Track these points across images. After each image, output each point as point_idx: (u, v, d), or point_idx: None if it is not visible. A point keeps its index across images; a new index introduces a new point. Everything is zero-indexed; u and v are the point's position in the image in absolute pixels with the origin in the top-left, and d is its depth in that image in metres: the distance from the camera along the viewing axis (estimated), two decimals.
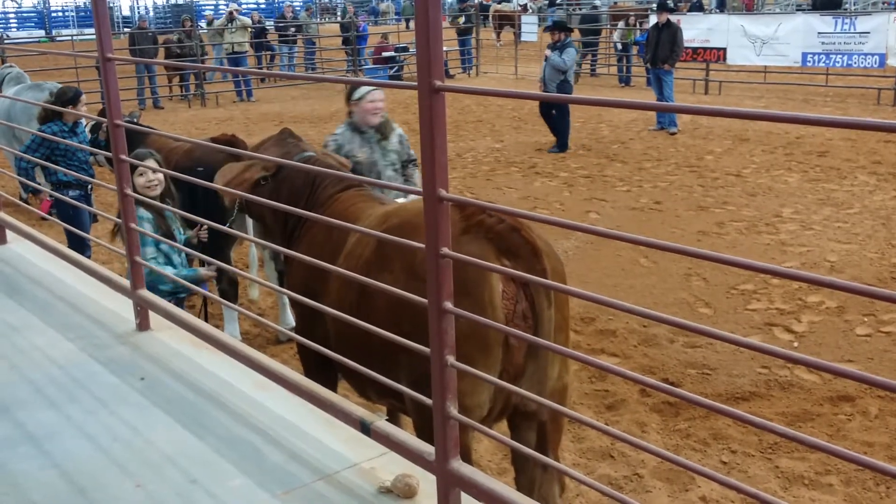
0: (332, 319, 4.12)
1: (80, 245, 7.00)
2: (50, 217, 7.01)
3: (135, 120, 7.87)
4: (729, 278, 7.96)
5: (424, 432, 2.87)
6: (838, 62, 17.79)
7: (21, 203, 6.60)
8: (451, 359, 2.38)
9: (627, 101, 2.25)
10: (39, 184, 7.52)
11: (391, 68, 23.18)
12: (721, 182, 11.67)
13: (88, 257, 5.99)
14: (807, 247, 8.85)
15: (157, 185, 5.27)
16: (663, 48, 15.32)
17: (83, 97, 7.51)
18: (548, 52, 14.05)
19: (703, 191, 11.26)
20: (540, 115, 14.62)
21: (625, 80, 22.05)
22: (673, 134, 15.00)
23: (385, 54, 23.88)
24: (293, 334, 3.62)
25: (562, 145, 14.06)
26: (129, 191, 3.89)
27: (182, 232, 5.49)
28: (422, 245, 2.34)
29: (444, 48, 21.59)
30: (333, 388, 4.17)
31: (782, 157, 13.00)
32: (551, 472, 3.75)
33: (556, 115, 14.14)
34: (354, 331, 3.77)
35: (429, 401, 2.44)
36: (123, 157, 3.82)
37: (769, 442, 5.26)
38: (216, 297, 5.14)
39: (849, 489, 4.82)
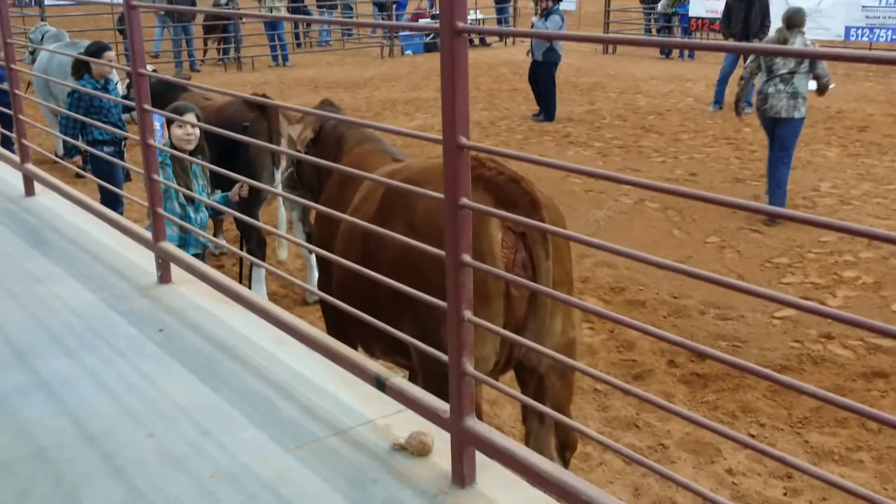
0: (336, 276, 4.12)
1: (113, 201, 7.03)
2: (85, 173, 7.01)
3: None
4: (763, 251, 7.81)
5: (431, 388, 2.82)
6: (882, 37, 17.40)
7: (58, 159, 6.60)
8: (468, 313, 2.31)
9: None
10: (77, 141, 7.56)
11: (427, 35, 23.00)
12: (759, 155, 11.43)
13: (121, 214, 5.98)
14: (844, 221, 8.65)
15: (193, 140, 5.28)
16: (755, 21, 14.48)
17: (109, 52, 7.50)
18: (534, 19, 14.01)
19: (739, 163, 11.07)
20: (529, 83, 14.49)
21: (666, 52, 21.66)
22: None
23: (422, 21, 23.69)
24: (321, 293, 3.57)
25: (547, 114, 13.93)
26: (151, 141, 3.84)
27: (204, 189, 5.47)
28: (440, 195, 2.26)
29: (482, 16, 21.23)
30: (353, 346, 4.13)
31: (822, 132, 12.73)
32: (548, 425, 3.72)
33: (539, 84, 14.04)
34: (357, 287, 3.75)
35: (444, 357, 2.37)
36: (147, 106, 3.77)
37: (799, 416, 5.15)
38: (245, 254, 5.11)
39: (880, 466, 4.71)
